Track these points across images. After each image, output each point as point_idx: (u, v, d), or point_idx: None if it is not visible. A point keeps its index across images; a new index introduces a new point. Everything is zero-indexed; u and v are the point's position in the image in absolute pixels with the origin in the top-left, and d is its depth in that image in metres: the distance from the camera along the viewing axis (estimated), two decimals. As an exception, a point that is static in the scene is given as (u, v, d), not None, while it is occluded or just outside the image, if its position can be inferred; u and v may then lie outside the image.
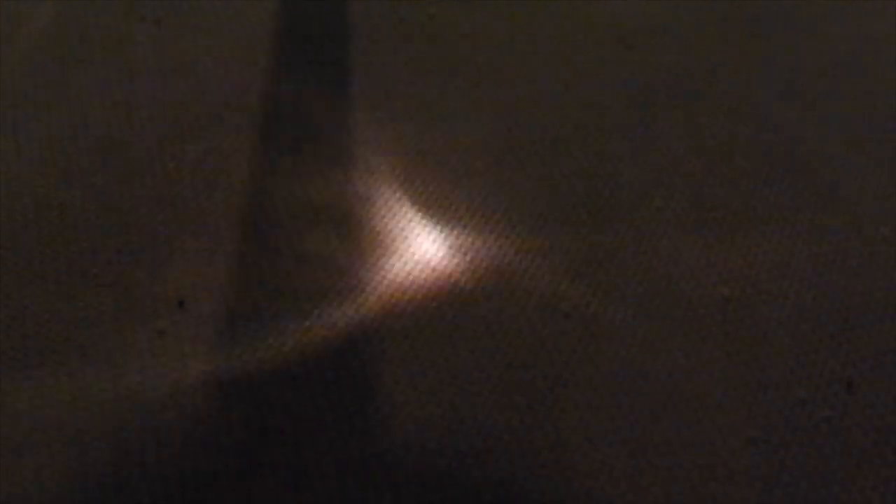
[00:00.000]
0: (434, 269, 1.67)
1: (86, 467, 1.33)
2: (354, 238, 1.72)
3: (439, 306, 1.60)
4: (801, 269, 1.72)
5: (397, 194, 1.82)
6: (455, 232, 1.74)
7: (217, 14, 2.29)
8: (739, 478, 1.38)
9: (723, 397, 1.49)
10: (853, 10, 2.48)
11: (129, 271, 1.63)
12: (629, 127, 2.03)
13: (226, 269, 1.65)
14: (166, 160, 1.86)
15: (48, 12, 2.25)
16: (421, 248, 1.71)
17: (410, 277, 1.65)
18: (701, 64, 2.23)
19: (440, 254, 1.70)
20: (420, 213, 1.78)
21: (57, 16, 2.24)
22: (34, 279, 1.60)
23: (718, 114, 2.08)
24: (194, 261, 1.65)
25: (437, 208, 1.79)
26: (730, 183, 1.90)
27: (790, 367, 1.54)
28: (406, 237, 1.73)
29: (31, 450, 1.35)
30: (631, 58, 2.24)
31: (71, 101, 1.99)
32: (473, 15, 2.34)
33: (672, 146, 1.98)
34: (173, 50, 2.15)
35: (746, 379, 1.52)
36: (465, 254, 1.70)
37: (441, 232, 1.74)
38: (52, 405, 1.41)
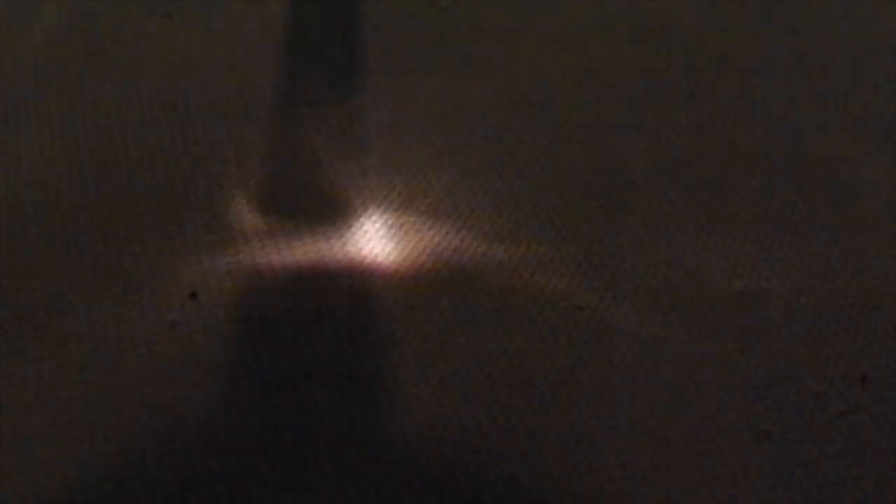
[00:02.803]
0: (445, 263, 1.66)
1: (89, 466, 1.32)
2: (363, 231, 1.72)
3: (449, 300, 1.60)
4: (815, 262, 1.72)
5: (409, 187, 1.82)
6: (466, 224, 1.74)
7: (228, 7, 2.29)
8: (752, 472, 1.38)
9: (736, 391, 1.49)
10: (863, 8, 2.48)
11: (141, 263, 1.62)
12: (641, 121, 2.02)
13: (238, 261, 1.64)
14: (177, 153, 1.86)
15: (58, 6, 2.25)
16: (432, 241, 1.70)
17: (421, 271, 1.65)
18: (710, 60, 2.23)
19: (451, 247, 1.69)
20: (431, 206, 1.77)
21: (66, 10, 2.24)
22: (44, 271, 1.60)
23: (728, 110, 2.08)
24: (206, 252, 1.65)
25: (449, 201, 1.79)
26: (741, 178, 1.90)
27: (804, 362, 1.54)
28: (417, 230, 1.72)
29: (35, 447, 1.34)
30: (640, 53, 2.24)
31: (81, 95, 1.99)
32: (485, 9, 2.34)
33: (683, 141, 1.98)
34: (184, 43, 2.15)
35: (760, 373, 1.52)
36: (477, 247, 1.70)
37: (452, 225, 1.74)
38: (59, 400, 1.40)
